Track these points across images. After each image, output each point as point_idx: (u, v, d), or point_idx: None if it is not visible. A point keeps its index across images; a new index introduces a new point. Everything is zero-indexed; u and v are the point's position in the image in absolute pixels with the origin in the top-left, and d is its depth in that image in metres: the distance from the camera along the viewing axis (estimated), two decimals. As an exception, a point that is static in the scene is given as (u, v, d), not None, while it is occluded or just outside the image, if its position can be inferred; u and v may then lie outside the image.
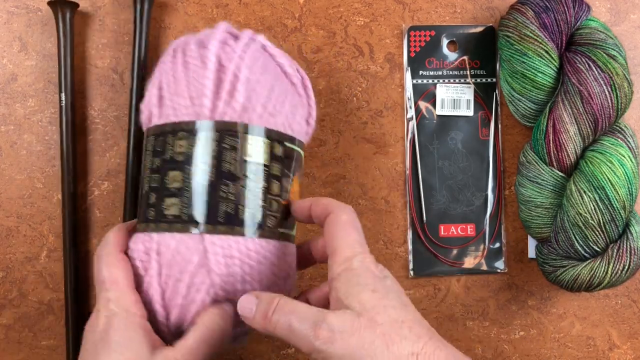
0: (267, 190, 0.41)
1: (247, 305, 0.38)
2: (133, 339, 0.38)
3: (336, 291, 0.37)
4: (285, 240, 0.42)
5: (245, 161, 0.40)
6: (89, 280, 0.54)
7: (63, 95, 0.52)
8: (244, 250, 0.39)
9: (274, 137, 0.41)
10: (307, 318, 0.35)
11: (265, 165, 0.41)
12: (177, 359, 0.37)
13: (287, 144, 0.42)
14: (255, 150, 0.41)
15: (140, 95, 0.53)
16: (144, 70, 0.53)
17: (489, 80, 0.57)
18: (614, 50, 0.51)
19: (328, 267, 0.39)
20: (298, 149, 0.44)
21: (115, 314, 0.38)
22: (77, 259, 0.53)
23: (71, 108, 0.53)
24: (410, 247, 0.56)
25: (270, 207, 0.41)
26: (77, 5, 0.54)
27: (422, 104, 0.56)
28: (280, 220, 0.42)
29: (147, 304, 0.40)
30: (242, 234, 0.40)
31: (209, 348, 0.38)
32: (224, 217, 0.39)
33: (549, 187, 0.51)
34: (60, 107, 0.53)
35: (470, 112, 0.56)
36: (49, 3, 0.53)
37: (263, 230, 0.40)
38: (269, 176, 0.41)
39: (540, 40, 0.51)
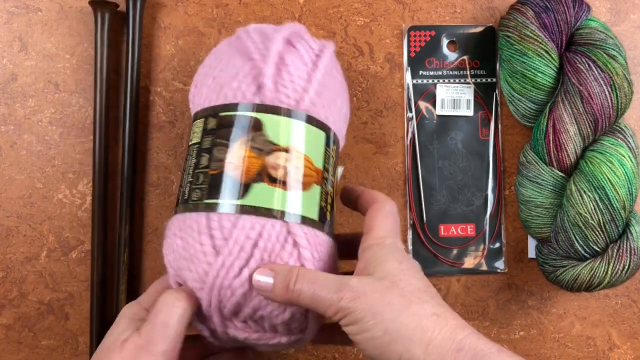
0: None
1: (263, 280, 0.38)
2: None
3: (363, 261, 0.39)
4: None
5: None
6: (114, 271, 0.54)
7: (98, 97, 0.53)
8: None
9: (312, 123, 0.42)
10: (330, 285, 0.37)
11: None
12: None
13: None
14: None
15: (136, 97, 0.54)
16: (137, 71, 0.53)
17: (489, 80, 0.57)
18: (614, 50, 0.51)
19: (360, 244, 0.41)
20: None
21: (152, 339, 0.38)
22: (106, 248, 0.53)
23: (105, 112, 0.53)
24: (410, 247, 0.56)
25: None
26: (117, 5, 0.54)
27: (422, 104, 0.56)
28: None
29: None
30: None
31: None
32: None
33: (549, 187, 0.51)
34: (95, 109, 0.53)
35: (470, 112, 0.56)
36: (90, 2, 0.53)
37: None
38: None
39: (540, 40, 0.51)
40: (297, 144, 0.41)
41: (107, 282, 0.53)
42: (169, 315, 0.37)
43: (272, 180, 0.39)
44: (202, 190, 0.40)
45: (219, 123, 0.41)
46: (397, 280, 0.37)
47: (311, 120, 0.41)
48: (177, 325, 0.37)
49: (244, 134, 0.40)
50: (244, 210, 0.39)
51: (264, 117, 0.40)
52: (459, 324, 0.36)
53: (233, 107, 0.41)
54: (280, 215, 0.39)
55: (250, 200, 0.39)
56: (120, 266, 0.52)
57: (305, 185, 0.40)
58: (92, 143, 0.53)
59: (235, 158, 0.40)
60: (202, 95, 0.43)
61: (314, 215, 0.41)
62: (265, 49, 0.42)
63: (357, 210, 0.45)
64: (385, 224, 0.41)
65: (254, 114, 0.41)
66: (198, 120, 0.42)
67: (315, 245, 0.40)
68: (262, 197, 0.39)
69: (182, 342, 0.38)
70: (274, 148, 0.40)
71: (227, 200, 0.39)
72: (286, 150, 0.40)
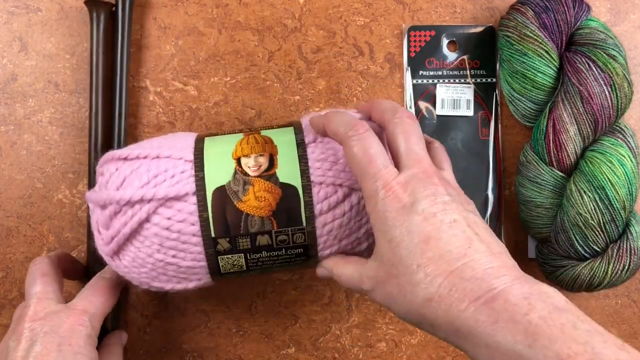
0: None
1: (322, 274, 0.44)
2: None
3: (374, 232, 0.39)
4: None
5: None
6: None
7: (94, 96, 0.53)
8: None
9: None
10: (355, 285, 0.41)
11: None
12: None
13: None
14: None
15: (126, 95, 0.53)
16: (126, 68, 0.54)
17: (489, 80, 0.57)
18: (614, 50, 0.50)
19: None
20: None
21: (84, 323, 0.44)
22: None
23: (102, 112, 0.53)
24: (410, 247, 0.56)
25: None
26: (112, 5, 0.53)
27: (422, 104, 0.56)
28: None
29: None
30: None
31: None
32: None
33: (549, 187, 0.51)
34: (90, 108, 0.53)
35: (470, 112, 0.56)
36: (85, 2, 0.53)
37: None
38: None
39: (540, 40, 0.51)
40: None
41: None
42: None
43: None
44: None
45: None
46: (391, 267, 0.37)
47: None
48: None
49: None
50: None
51: None
52: (456, 299, 0.34)
53: None
54: None
55: None
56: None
57: None
58: (88, 142, 0.53)
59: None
60: None
61: None
62: None
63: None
64: (373, 167, 0.38)
65: None
66: None
67: None
68: None
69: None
70: None
71: None
72: None
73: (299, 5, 0.56)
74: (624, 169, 0.49)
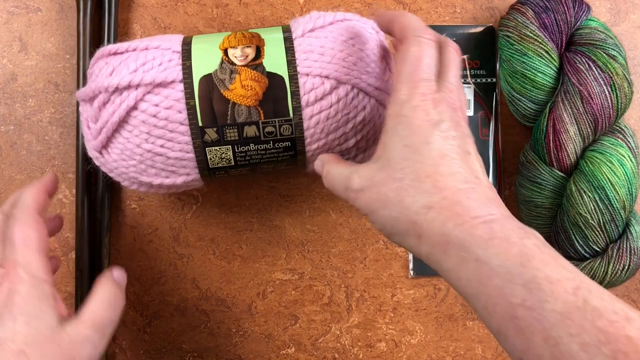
0: None
1: (317, 168, 0.43)
2: (41, 308, 0.37)
3: (383, 135, 0.38)
4: None
5: None
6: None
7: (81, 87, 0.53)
8: None
9: None
10: (340, 183, 0.39)
11: None
12: (86, 333, 0.37)
13: None
14: None
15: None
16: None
17: (489, 80, 0.57)
18: (614, 50, 0.51)
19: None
20: None
21: (23, 280, 0.37)
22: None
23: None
24: (410, 247, 0.56)
25: None
26: None
27: (422, 104, 0.56)
28: None
29: None
30: None
31: (113, 314, 0.40)
32: None
33: (549, 187, 0.51)
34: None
35: (470, 112, 0.56)
36: None
37: None
38: None
39: (540, 40, 0.51)
40: None
41: (94, 270, 0.53)
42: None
43: None
44: None
45: None
46: (398, 170, 0.36)
47: None
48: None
49: None
50: None
51: None
52: (455, 213, 0.34)
53: None
54: None
55: None
56: (102, 251, 0.53)
57: None
58: (76, 136, 0.53)
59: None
60: None
61: None
62: None
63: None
64: (409, 78, 0.38)
65: None
66: None
67: None
68: None
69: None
70: None
71: None
72: None
73: (299, 5, 0.56)
74: (624, 169, 0.49)
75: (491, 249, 0.32)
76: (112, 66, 0.43)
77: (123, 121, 0.43)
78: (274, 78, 0.43)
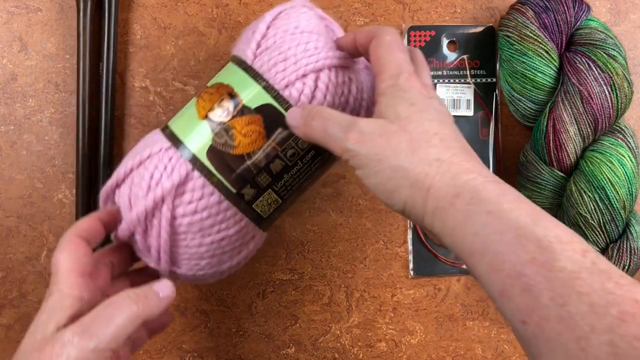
0: None
1: (294, 116, 0.40)
2: (47, 318, 0.37)
3: (379, 105, 0.38)
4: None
5: None
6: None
7: (81, 89, 0.53)
8: None
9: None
10: (340, 123, 0.38)
11: None
12: (69, 338, 0.35)
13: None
14: None
15: (112, 84, 0.53)
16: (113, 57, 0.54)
17: (489, 80, 0.57)
18: (614, 50, 0.51)
19: (375, 88, 0.39)
20: None
21: (49, 293, 0.38)
22: None
23: (88, 105, 0.53)
24: (410, 247, 0.56)
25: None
26: None
27: (422, 104, 0.56)
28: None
29: None
30: None
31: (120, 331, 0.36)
32: None
33: (549, 187, 0.51)
34: (78, 99, 0.53)
35: (470, 112, 0.56)
36: None
37: None
38: None
39: (540, 40, 0.51)
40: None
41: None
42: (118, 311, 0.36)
43: None
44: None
45: None
46: (407, 123, 0.36)
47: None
48: (125, 324, 0.36)
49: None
50: None
51: None
52: (465, 169, 0.35)
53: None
54: None
55: None
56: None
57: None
58: (75, 134, 0.53)
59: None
60: None
61: None
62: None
63: (366, 58, 0.42)
64: (393, 57, 0.39)
65: None
66: None
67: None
68: None
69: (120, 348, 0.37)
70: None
71: None
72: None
73: (299, 5, 0.56)
74: (624, 169, 0.49)
75: (505, 203, 0.32)
76: (126, 197, 0.43)
77: (172, 235, 0.42)
78: (263, 109, 0.42)
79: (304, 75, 0.42)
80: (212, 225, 0.42)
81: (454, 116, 0.56)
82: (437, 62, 0.57)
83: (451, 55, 0.57)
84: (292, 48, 0.43)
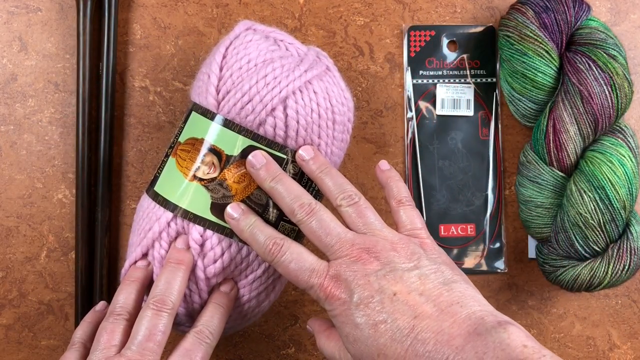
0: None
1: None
2: None
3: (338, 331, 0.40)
4: None
5: None
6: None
7: (81, 89, 0.53)
8: None
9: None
10: (334, 356, 0.42)
11: None
12: None
13: None
14: None
15: (112, 84, 0.53)
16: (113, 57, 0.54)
17: (489, 80, 0.57)
18: (614, 50, 0.50)
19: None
20: None
21: None
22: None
23: (88, 105, 0.53)
24: (410, 247, 0.56)
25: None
26: None
27: (422, 104, 0.56)
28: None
29: None
30: None
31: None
32: None
33: (549, 187, 0.51)
34: (78, 99, 0.53)
35: (470, 112, 0.56)
36: None
37: None
38: None
39: (540, 40, 0.51)
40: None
41: (93, 270, 0.53)
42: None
43: None
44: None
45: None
46: (359, 356, 0.38)
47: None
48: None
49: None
50: None
51: None
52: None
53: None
54: None
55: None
56: (102, 251, 0.53)
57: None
58: (75, 134, 0.53)
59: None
60: None
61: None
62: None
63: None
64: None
65: None
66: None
67: None
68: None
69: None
70: None
71: None
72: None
73: (299, 5, 0.56)
74: (624, 169, 0.49)
75: None
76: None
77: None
78: (246, 152, 0.43)
79: (273, 110, 0.43)
80: (239, 273, 0.45)
81: (454, 116, 0.56)
82: (437, 62, 0.57)
83: (451, 55, 0.57)
84: (253, 87, 0.43)
